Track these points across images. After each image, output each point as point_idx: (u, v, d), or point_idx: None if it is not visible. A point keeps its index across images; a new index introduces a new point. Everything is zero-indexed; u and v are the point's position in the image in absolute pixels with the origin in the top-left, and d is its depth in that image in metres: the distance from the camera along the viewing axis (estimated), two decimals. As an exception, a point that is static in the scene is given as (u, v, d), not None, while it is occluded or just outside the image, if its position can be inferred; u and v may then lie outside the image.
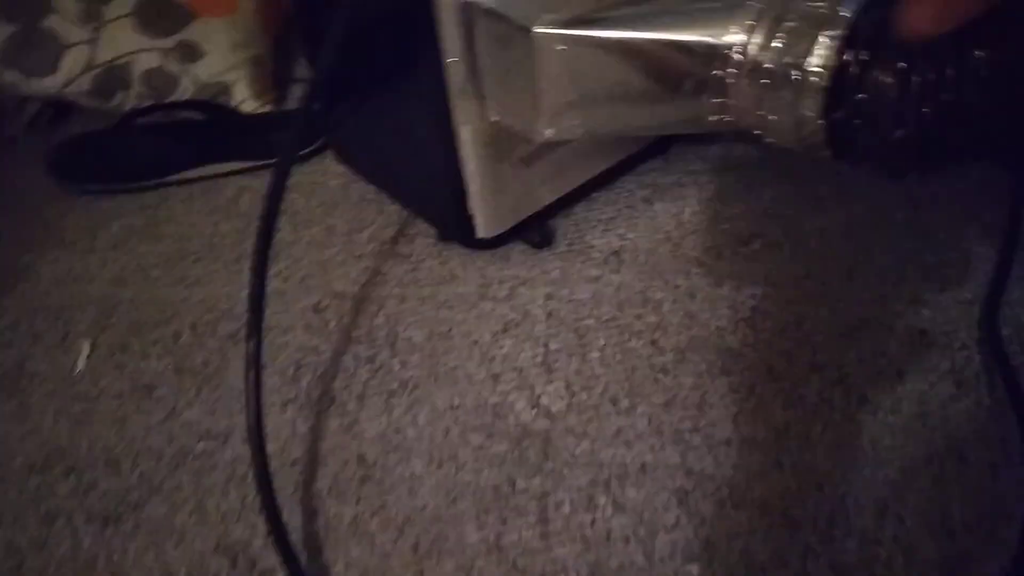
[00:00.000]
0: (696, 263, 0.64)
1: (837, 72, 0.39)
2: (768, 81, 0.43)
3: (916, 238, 0.64)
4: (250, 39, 0.84)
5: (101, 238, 0.75)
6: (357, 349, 0.61)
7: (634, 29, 0.47)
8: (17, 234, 0.76)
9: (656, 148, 0.72)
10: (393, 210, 0.71)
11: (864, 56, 0.37)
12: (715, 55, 0.45)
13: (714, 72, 0.44)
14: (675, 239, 0.66)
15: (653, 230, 0.67)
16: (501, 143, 0.58)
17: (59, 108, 0.86)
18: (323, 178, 0.76)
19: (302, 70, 0.89)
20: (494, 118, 0.55)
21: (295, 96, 0.87)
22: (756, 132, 0.46)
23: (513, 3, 0.49)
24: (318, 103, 0.55)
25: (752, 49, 0.43)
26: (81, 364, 0.64)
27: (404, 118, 0.61)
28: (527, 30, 0.48)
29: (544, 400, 0.56)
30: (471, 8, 0.50)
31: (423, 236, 0.69)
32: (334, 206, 0.73)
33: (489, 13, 0.50)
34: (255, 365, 0.50)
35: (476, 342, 0.60)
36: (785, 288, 0.61)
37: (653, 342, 0.59)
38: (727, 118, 0.46)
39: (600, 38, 0.47)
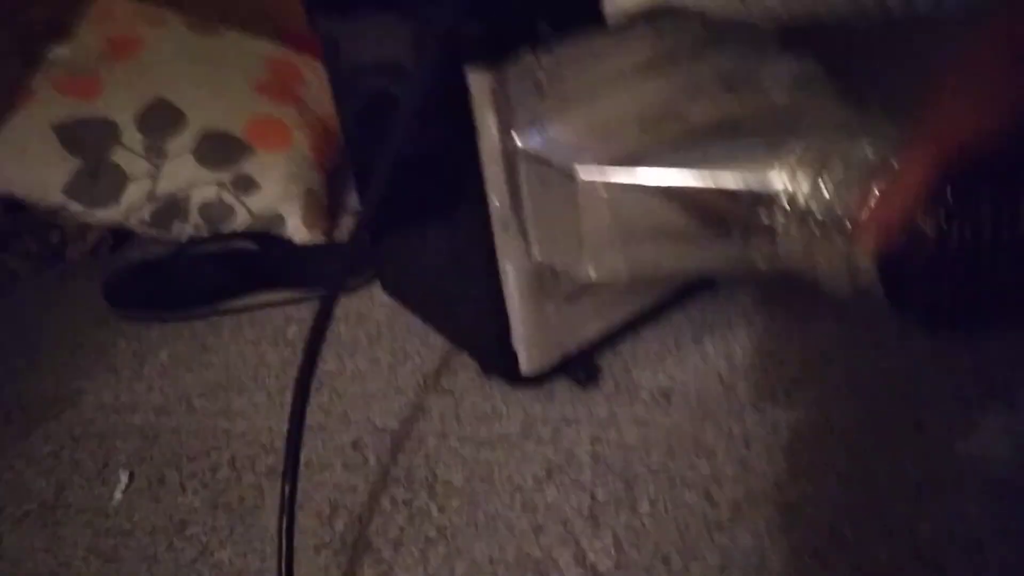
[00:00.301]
0: (750, 407, 0.61)
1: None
2: (819, 230, 0.42)
3: (980, 382, 0.60)
4: (304, 173, 0.87)
5: (149, 365, 0.75)
6: (395, 490, 0.59)
7: (678, 174, 0.46)
8: (69, 358, 0.77)
9: (705, 281, 0.71)
10: (438, 342, 0.71)
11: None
12: (761, 201, 0.44)
13: (762, 220, 0.44)
14: (727, 380, 0.64)
15: (703, 370, 0.65)
16: (545, 280, 0.57)
17: (119, 235, 0.89)
18: (370, 309, 0.77)
19: (353, 202, 0.91)
20: (538, 258, 0.55)
21: (346, 227, 0.89)
22: (808, 277, 0.44)
23: (556, 148, 0.50)
24: (365, 237, 0.55)
25: (800, 197, 0.43)
26: (118, 496, 0.63)
27: (449, 254, 0.62)
28: (571, 176, 0.48)
29: (591, 556, 0.53)
30: (515, 153, 0.51)
31: (466, 369, 0.68)
32: (379, 337, 0.73)
33: (532, 158, 0.50)
34: (288, 512, 0.48)
35: (518, 487, 0.58)
36: (848, 437, 0.58)
37: (707, 494, 0.55)
38: (777, 264, 0.45)
39: (643, 183, 0.47)
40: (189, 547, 0.58)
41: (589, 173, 0.49)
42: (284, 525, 0.49)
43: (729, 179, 0.46)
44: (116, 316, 0.80)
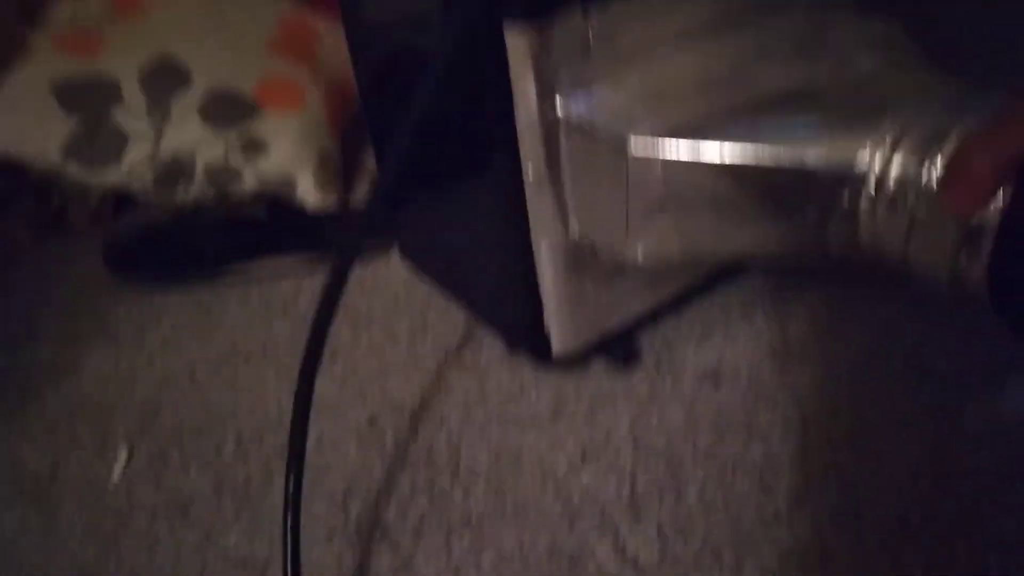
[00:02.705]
0: (807, 388, 0.56)
1: (1010, 213, 0.32)
2: (915, 218, 0.36)
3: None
4: (316, 133, 0.82)
5: (151, 335, 0.70)
6: (415, 473, 0.54)
7: (745, 148, 0.40)
8: (68, 326, 0.73)
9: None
10: (460, 316, 0.65)
11: None
12: (844, 182, 0.38)
13: (844, 203, 0.38)
14: (781, 357, 0.58)
15: (755, 346, 0.60)
16: (583, 257, 0.52)
17: (121, 199, 0.84)
18: (387, 278, 0.71)
19: (371, 165, 0.86)
20: (577, 235, 0.49)
21: (362, 191, 0.84)
22: (897, 268, 0.38)
23: (604, 116, 0.44)
24: (380, 208, 0.50)
25: (891, 181, 0.37)
26: (117, 474, 0.58)
27: (477, 226, 0.56)
28: (621, 147, 0.42)
29: (631, 547, 0.48)
30: (556, 120, 0.45)
31: (492, 345, 0.63)
32: (397, 309, 0.68)
33: (576, 127, 0.44)
34: (293, 507, 0.43)
35: (550, 471, 0.53)
36: (917, 422, 0.52)
37: (761, 481, 0.50)
38: (855, 251, 0.39)
39: (704, 157, 0.41)
40: (192, 531, 0.53)
41: (642, 145, 0.43)
42: (289, 523, 0.44)
43: (808, 156, 0.39)
44: (117, 282, 0.75)
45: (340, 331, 0.66)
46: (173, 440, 0.60)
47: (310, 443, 0.57)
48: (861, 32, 0.50)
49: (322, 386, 0.61)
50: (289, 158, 0.80)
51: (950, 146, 0.35)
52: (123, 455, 0.59)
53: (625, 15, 0.45)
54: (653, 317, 0.61)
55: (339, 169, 0.84)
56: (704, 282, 0.62)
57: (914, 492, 0.48)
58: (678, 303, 0.62)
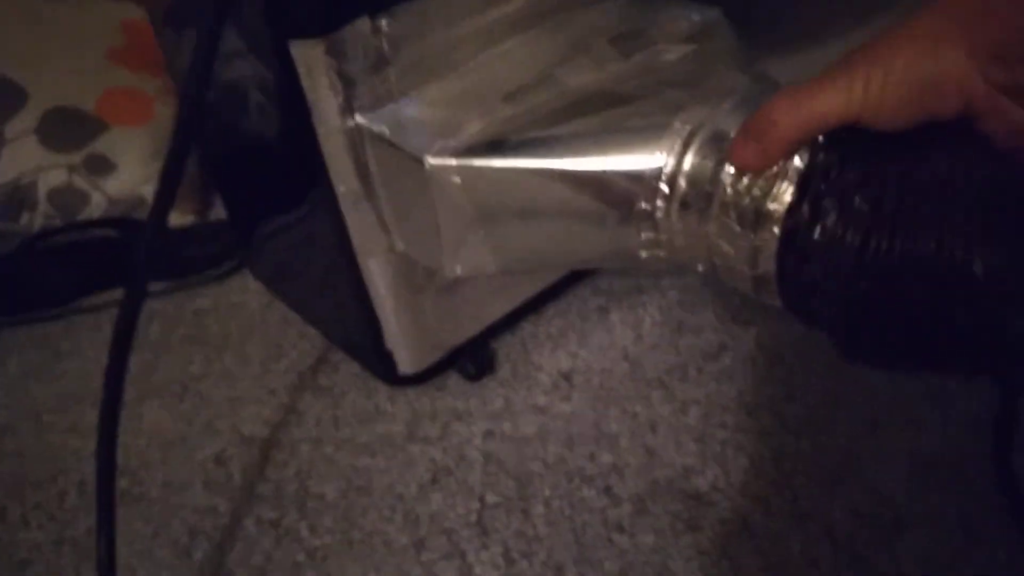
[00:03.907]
0: (657, 385, 0.56)
1: (791, 211, 0.31)
2: (707, 215, 0.35)
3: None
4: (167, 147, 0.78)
5: (-5, 378, 0.66)
6: (261, 510, 0.52)
7: (543, 157, 0.39)
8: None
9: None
10: (316, 337, 0.63)
11: (823, 189, 0.30)
12: (639, 183, 0.37)
13: (640, 205, 0.37)
14: (633, 356, 0.58)
15: (608, 346, 0.59)
16: (416, 272, 0.50)
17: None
18: (242, 298, 0.69)
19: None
20: (401, 248, 0.47)
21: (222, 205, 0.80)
22: (699, 269, 0.38)
23: (404, 129, 0.42)
24: (159, 229, 0.45)
25: (682, 179, 0.36)
26: (-48, 534, 0.55)
27: (310, 246, 0.54)
28: (420, 161, 0.40)
29: (477, 571, 0.47)
30: (360, 134, 0.43)
31: (348, 362, 0.61)
32: (251, 331, 0.65)
33: (379, 140, 0.42)
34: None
35: (400, 496, 0.51)
36: (761, 415, 0.53)
37: (607, 489, 0.50)
38: (661, 253, 0.38)
39: (504, 168, 0.40)
40: (30, 590, 0.50)
41: (440, 159, 0.41)
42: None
43: (604, 161, 0.38)
44: (-41, 323, 0.71)
45: (192, 359, 0.63)
46: (13, 493, 0.56)
47: (157, 485, 0.55)
48: (677, 22, 0.49)
49: (171, 423, 0.59)
50: (138, 175, 0.76)
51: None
52: (-44, 515, 0.55)
53: (423, 17, 0.43)
54: (508, 323, 0.59)
55: (196, 183, 0.80)
56: (559, 284, 0.61)
57: (755, 490, 0.48)
58: (534, 307, 0.61)
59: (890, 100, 0.27)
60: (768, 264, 0.33)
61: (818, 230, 0.29)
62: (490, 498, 0.50)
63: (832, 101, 0.29)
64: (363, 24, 0.41)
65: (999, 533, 0.44)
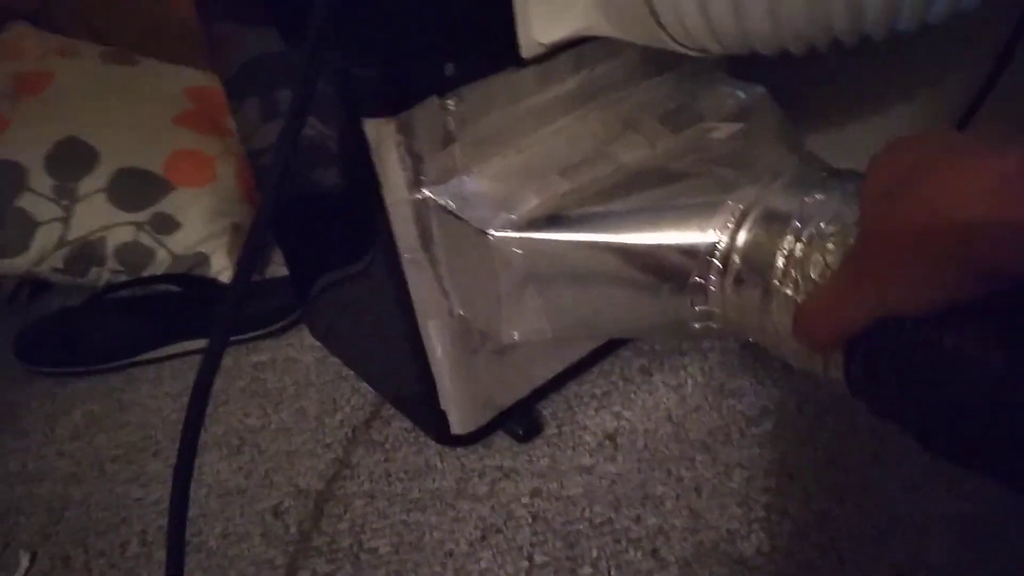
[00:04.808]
0: (701, 448, 0.57)
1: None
2: (766, 291, 0.37)
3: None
4: (229, 207, 0.82)
5: (61, 426, 0.69)
6: (316, 563, 0.54)
7: (599, 232, 0.42)
8: (-23, 423, 0.72)
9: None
10: (369, 392, 0.66)
11: None
12: (694, 255, 0.39)
13: (693, 278, 0.39)
14: (677, 418, 0.59)
15: (652, 408, 0.61)
16: (473, 334, 0.52)
17: (37, 284, 0.84)
18: (298, 353, 0.72)
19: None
20: (460, 312, 0.50)
21: (280, 262, 0.84)
22: (753, 341, 0.39)
23: (468, 202, 0.45)
24: (244, 286, 0.49)
25: (737, 255, 0.38)
26: (18, 581, 0.57)
27: (370, 308, 0.57)
28: (484, 233, 0.43)
29: (527, 630, 0.48)
30: (427, 205, 0.46)
31: (399, 418, 0.63)
32: (307, 385, 0.68)
33: (443, 211, 0.45)
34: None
35: (450, 553, 0.53)
36: (803, 478, 0.54)
37: (654, 552, 0.51)
38: (714, 326, 0.40)
39: (562, 241, 0.42)
40: (94, 636, 0.53)
41: (503, 231, 0.44)
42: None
43: (659, 235, 0.41)
44: (29, 374, 0.75)
45: (249, 414, 0.66)
46: (77, 541, 0.59)
47: (216, 535, 0.57)
48: (724, 100, 0.52)
49: (229, 476, 0.62)
50: (201, 233, 0.80)
51: (786, 227, 0.36)
52: (25, 561, 0.58)
53: (486, 99, 0.46)
54: (554, 385, 0.61)
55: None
56: (604, 346, 0.63)
57: (800, 553, 0.49)
58: (580, 369, 0.63)
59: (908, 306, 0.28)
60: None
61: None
62: (538, 558, 0.52)
63: (856, 314, 0.30)
64: (431, 104, 0.45)
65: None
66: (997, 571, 0.47)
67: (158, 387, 0.72)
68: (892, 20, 0.37)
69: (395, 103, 0.44)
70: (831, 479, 0.53)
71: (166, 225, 0.79)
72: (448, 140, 0.46)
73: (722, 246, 0.38)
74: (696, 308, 0.40)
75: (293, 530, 0.56)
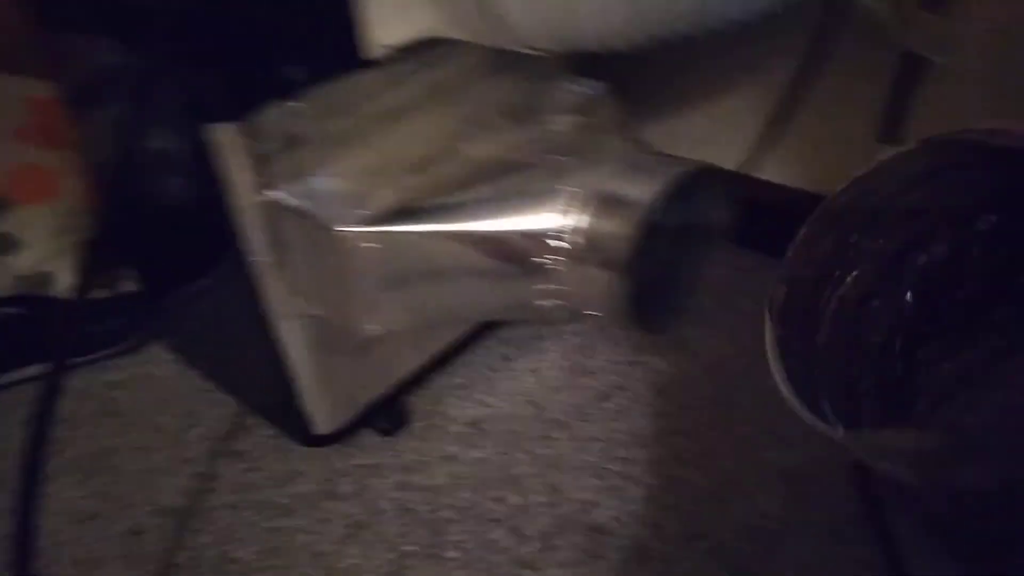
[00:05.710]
0: (559, 426, 0.59)
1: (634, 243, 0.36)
2: (576, 258, 0.40)
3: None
4: (76, 223, 0.78)
5: None
6: (180, 580, 0.53)
7: (447, 221, 0.43)
8: None
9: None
10: (230, 400, 0.65)
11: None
12: (535, 240, 0.42)
13: (533, 259, 0.42)
14: (537, 400, 0.62)
15: (513, 392, 0.63)
16: (330, 333, 0.52)
17: None
18: (155, 369, 0.69)
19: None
20: (314, 312, 0.50)
21: (133, 276, 0.81)
22: (585, 312, 0.43)
23: (318, 201, 0.45)
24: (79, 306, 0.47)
25: (567, 235, 0.41)
26: None
27: (225, 314, 0.56)
28: (331, 229, 0.44)
29: (394, 620, 0.49)
30: (276, 207, 0.46)
31: (262, 426, 0.62)
32: (164, 402, 0.66)
33: (292, 211, 0.45)
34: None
35: (318, 553, 0.53)
36: (653, 447, 0.57)
37: (515, 529, 0.53)
38: (557, 302, 0.42)
39: (412, 232, 0.44)
40: None
41: (351, 226, 0.44)
42: None
43: (498, 221, 0.43)
44: None
45: (103, 435, 0.64)
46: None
47: (69, 564, 0.55)
48: (566, 96, 0.55)
49: (83, 501, 0.59)
50: (45, 252, 0.76)
51: (612, 202, 0.39)
52: None
53: (334, 99, 0.47)
54: (419, 378, 0.62)
55: (106, 254, 0.80)
56: (467, 337, 0.65)
57: (651, 517, 0.52)
58: (444, 360, 0.64)
59: None
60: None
61: None
62: (405, 547, 0.53)
63: None
64: (276, 107, 0.45)
65: (861, 535, 0.49)
66: (828, 516, 0.52)
67: (7, 416, 0.68)
68: (702, 19, 0.41)
69: (239, 108, 0.44)
70: (677, 446, 0.57)
71: (7, 245, 0.75)
72: (294, 142, 0.46)
73: (561, 228, 0.41)
74: (540, 287, 0.43)
75: (152, 549, 0.55)
